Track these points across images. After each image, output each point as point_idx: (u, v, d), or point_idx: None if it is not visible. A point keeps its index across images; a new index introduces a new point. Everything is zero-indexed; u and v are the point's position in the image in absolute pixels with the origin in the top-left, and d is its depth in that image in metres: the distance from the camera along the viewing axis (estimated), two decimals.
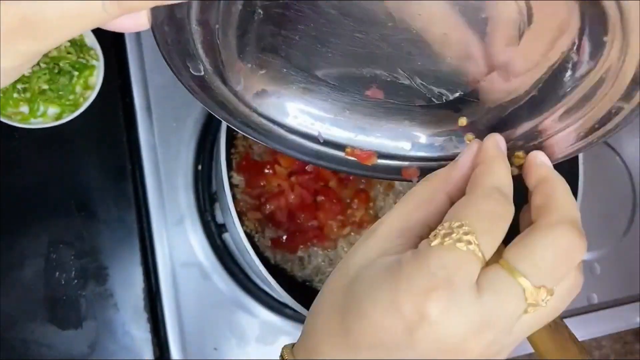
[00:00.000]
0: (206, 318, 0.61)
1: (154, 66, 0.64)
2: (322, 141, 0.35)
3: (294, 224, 0.60)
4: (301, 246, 0.60)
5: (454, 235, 0.24)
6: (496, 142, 0.30)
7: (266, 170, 0.60)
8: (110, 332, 0.58)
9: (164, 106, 0.63)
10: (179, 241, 0.62)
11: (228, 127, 0.50)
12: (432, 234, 0.25)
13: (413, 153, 0.35)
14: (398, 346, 0.24)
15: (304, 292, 0.61)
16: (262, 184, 0.60)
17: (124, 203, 0.60)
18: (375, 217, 0.63)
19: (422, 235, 0.27)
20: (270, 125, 0.34)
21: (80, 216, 0.59)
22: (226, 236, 0.63)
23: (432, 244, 0.25)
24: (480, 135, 0.31)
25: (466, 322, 0.24)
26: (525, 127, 0.33)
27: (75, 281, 0.58)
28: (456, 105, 0.34)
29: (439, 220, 0.27)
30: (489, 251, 0.25)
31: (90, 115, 0.59)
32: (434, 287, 0.23)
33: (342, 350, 0.26)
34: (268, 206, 0.59)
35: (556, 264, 0.25)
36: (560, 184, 0.28)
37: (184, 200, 0.63)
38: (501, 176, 0.28)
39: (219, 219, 0.62)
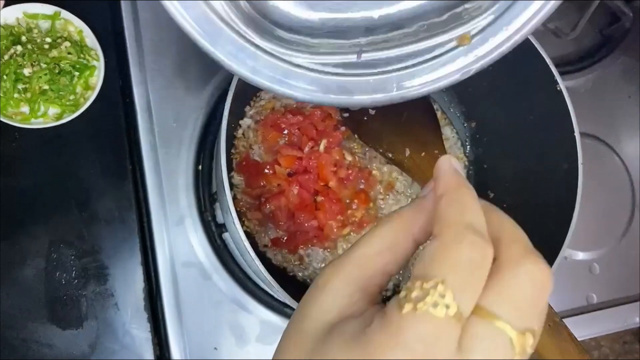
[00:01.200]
0: (206, 318, 0.62)
1: (154, 66, 0.64)
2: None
3: (294, 224, 0.60)
4: (301, 246, 0.61)
5: (428, 298, 0.21)
6: (451, 164, 0.26)
7: (266, 170, 0.60)
8: (110, 332, 0.58)
9: (164, 106, 0.64)
10: (180, 241, 0.62)
11: (228, 126, 0.50)
12: (402, 294, 0.21)
13: None
14: None
15: (304, 291, 0.61)
16: (262, 184, 0.60)
17: (125, 203, 0.60)
18: (375, 217, 0.64)
19: (382, 284, 0.24)
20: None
21: (81, 216, 0.59)
22: (226, 236, 0.63)
23: (404, 311, 0.21)
24: None
25: None
26: None
27: (76, 281, 0.58)
28: None
29: (401, 266, 0.24)
30: (469, 308, 0.21)
31: (91, 116, 0.59)
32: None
33: None
34: (268, 206, 0.59)
35: (536, 300, 0.22)
36: (489, 205, 0.24)
37: (184, 200, 0.63)
38: (470, 208, 0.23)
39: (219, 218, 0.62)
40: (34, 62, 0.57)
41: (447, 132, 0.68)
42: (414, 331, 0.20)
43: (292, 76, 0.31)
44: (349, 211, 0.62)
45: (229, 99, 0.50)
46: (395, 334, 0.20)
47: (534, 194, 0.60)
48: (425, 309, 0.20)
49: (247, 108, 0.63)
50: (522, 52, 0.55)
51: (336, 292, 0.24)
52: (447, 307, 0.21)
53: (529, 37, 0.53)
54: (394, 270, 0.24)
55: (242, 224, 0.60)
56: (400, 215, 0.25)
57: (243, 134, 0.62)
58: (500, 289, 0.22)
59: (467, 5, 0.32)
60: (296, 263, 0.62)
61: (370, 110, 0.63)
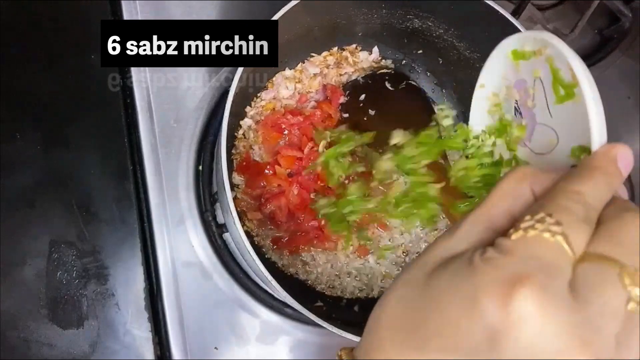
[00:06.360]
0: (207, 317, 0.62)
1: (155, 66, 0.64)
2: None
3: (294, 224, 0.61)
4: (302, 246, 0.61)
5: (538, 225, 0.21)
6: (614, 155, 0.27)
7: (266, 171, 0.60)
8: (111, 332, 0.58)
9: (165, 107, 0.64)
10: (180, 241, 0.62)
11: (229, 127, 0.50)
12: (513, 227, 0.22)
13: None
14: (476, 353, 0.20)
15: (304, 291, 0.61)
16: (262, 184, 0.60)
17: (125, 203, 0.61)
18: (375, 217, 0.64)
19: (505, 224, 0.25)
20: None
21: (82, 216, 0.60)
22: (227, 236, 0.63)
23: (514, 237, 0.21)
24: None
25: (566, 330, 0.19)
26: None
27: (77, 281, 0.58)
28: None
29: (521, 211, 0.24)
30: (579, 247, 0.21)
31: (92, 116, 0.59)
32: (523, 277, 0.19)
33: (408, 348, 0.22)
34: (268, 206, 0.59)
35: None
36: None
37: (184, 201, 0.63)
38: (597, 189, 0.24)
39: (220, 219, 0.63)
40: None
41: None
42: (526, 249, 0.21)
43: None
44: None
45: (230, 99, 0.50)
46: (507, 252, 0.21)
47: None
48: (535, 233, 0.21)
49: (248, 108, 0.63)
50: None
51: (464, 232, 0.25)
52: (556, 234, 0.21)
53: None
54: (516, 212, 0.25)
55: (243, 224, 0.60)
56: (523, 170, 0.26)
57: (243, 134, 0.63)
58: (611, 234, 0.22)
59: None
60: (300, 267, 0.62)
61: (370, 111, 0.63)
